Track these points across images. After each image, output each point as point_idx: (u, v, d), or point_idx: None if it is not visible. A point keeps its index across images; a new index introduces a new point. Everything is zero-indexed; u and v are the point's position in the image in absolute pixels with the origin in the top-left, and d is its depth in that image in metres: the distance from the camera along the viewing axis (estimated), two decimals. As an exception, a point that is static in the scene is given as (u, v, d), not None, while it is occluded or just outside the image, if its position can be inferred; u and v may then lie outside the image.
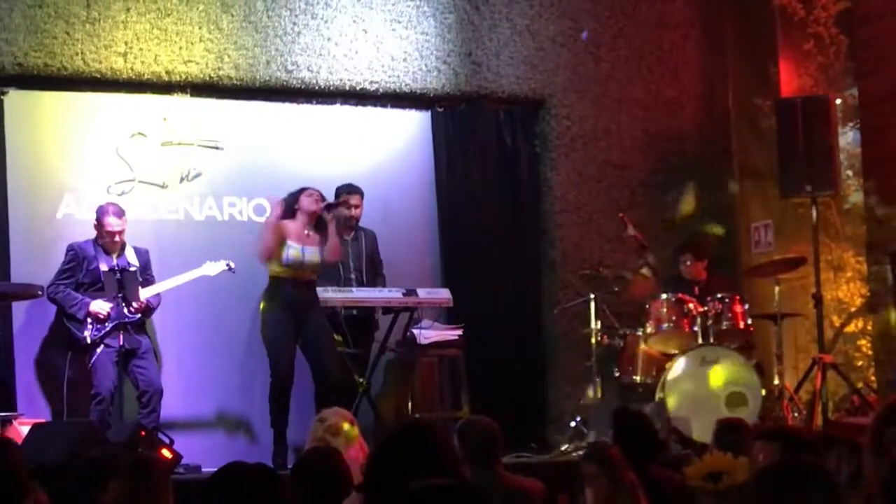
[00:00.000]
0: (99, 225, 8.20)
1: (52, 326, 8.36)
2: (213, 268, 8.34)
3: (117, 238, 8.18)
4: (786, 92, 9.89)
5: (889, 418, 4.02)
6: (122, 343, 7.90)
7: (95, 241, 8.22)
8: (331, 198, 8.57)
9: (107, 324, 7.98)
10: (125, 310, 7.98)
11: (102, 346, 7.99)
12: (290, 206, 8.34)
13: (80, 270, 8.14)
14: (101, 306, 7.99)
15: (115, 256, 8.19)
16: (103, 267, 8.06)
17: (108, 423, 7.84)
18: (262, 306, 8.30)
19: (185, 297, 8.52)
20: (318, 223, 8.35)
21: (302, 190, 8.40)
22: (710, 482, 3.68)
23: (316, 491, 4.62)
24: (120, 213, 8.21)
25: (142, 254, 8.37)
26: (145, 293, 8.14)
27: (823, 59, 9.75)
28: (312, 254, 8.28)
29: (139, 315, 8.12)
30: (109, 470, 4.86)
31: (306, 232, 8.31)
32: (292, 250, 8.22)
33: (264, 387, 8.31)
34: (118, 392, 7.99)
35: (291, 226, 8.29)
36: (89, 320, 8.00)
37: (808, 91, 9.70)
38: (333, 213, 8.42)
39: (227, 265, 8.35)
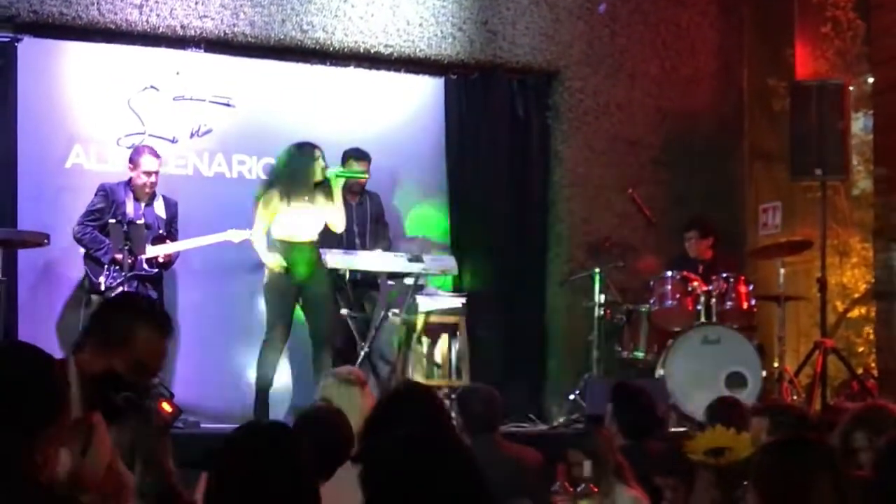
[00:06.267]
0: (134, 166, 8.18)
1: (64, 274, 8.40)
2: (237, 235, 8.29)
3: (153, 178, 8.15)
4: (801, 74, 9.84)
5: (856, 424, 4.15)
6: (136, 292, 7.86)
7: (128, 183, 8.21)
8: (339, 159, 8.56)
9: (125, 272, 7.97)
10: (144, 263, 7.97)
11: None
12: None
13: (107, 213, 8.11)
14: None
15: (143, 204, 8.17)
16: (129, 211, 8.04)
17: None
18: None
19: (190, 254, 8.50)
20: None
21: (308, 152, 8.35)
22: (712, 457, 3.69)
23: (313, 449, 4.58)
24: (157, 154, 8.21)
25: (171, 205, 8.34)
26: (160, 250, 8.10)
27: (840, 43, 9.70)
28: (310, 214, 8.24)
29: (156, 269, 8.11)
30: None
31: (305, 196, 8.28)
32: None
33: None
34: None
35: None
36: (110, 266, 8.00)
37: (824, 74, 9.65)
38: None
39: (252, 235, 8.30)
